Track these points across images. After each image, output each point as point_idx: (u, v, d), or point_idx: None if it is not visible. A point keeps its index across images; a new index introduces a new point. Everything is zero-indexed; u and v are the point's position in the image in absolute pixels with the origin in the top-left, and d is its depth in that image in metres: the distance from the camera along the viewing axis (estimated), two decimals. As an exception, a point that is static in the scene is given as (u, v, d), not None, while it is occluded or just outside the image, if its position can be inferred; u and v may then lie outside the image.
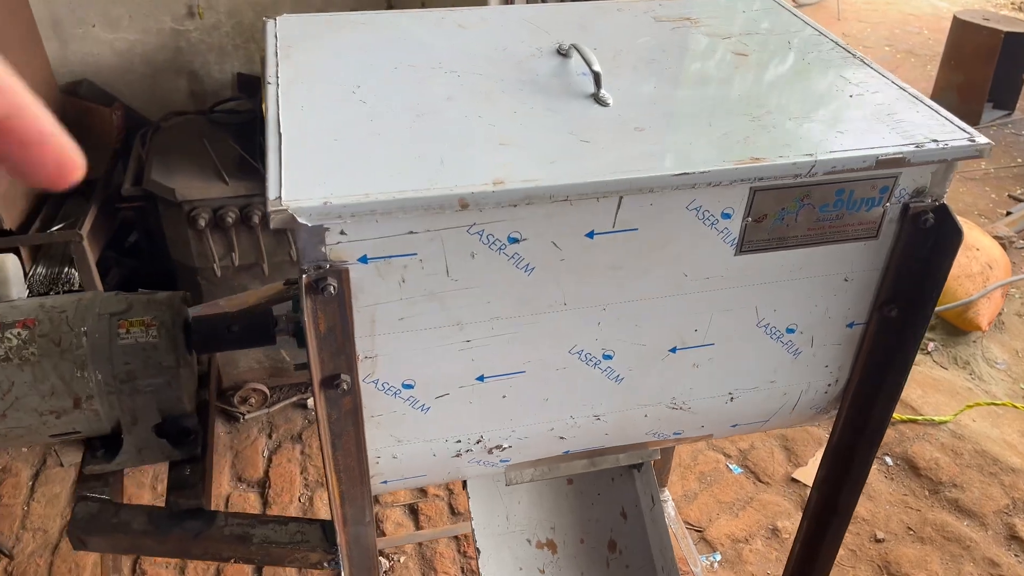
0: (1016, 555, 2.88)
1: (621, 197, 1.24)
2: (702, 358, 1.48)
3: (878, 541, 2.90)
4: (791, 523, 2.94)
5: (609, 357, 1.42)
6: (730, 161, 1.24)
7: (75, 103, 3.22)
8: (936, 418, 3.39)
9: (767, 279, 1.41)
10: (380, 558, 2.87)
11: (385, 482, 1.49)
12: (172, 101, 3.42)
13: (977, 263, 4.27)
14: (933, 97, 6.29)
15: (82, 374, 1.48)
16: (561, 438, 1.51)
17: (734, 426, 1.65)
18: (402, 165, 1.19)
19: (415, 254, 1.21)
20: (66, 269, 2.81)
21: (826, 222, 1.36)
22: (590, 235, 1.27)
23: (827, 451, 1.71)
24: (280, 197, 1.12)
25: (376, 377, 1.32)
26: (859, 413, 1.61)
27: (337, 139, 1.25)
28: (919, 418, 3.37)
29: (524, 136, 1.29)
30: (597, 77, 1.41)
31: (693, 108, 1.39)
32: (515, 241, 1.24)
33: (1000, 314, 4.24)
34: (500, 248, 1.24)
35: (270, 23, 1.63)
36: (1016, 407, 3.41)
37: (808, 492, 3.13)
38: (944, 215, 1.36)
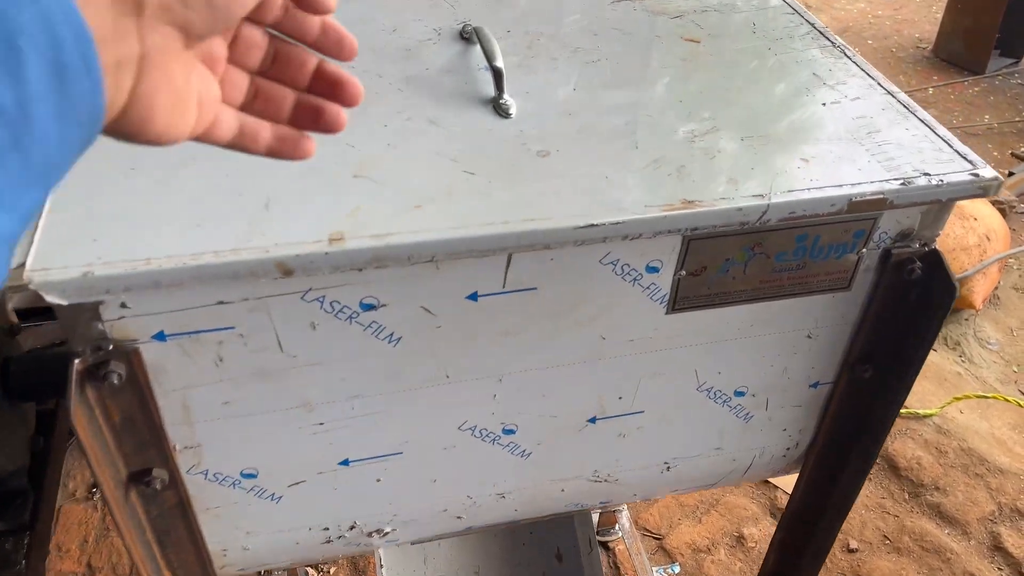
0: (1000, 568, 2.66)
1: (510, 255, 0.94)
2: (629, 427, 1.20)
3: (851, 551, 2.68)
4: (758, 530, 2.72)
5: (511, 432, 1.14)
6: (656, 206, 0.93)
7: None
8: (921, 411, 3.14)
9: (708, 339, 1.12)
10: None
11: (243, 569, 1.22)
12: None
13: (974, 234, 3.97)
14: (937, 44, 5.89)
15: None
16: (459, 517, 1.24)
17: (674, 490, 1.38)
18: (207, 212, 0.88)
19: (232, 327, 0.92)
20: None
21: (784, 272, 1.06)
22: (472, 297, 0.97)
23: (786, 514, 1.45)
24: (24, 265, 0.81)
25: (204, 468, 1.04)
26: (825, 477, 1.34)
27: (118, 177, 0.93)
28: (903, 411, 3.12)
29: (389, 164, 0.98)
30: (498, 76, 1.09)
31: (618, 121, 1.07)
32: (371, 308, 0.94)
33: (996, 288, 3.97)
34: (351, 317, 0.94)
35: None
36: (1007, 400, 3.16)
37: (779, 495, 2.90)
38: (935, 264, 1.06)
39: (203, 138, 0.57)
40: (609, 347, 1.08)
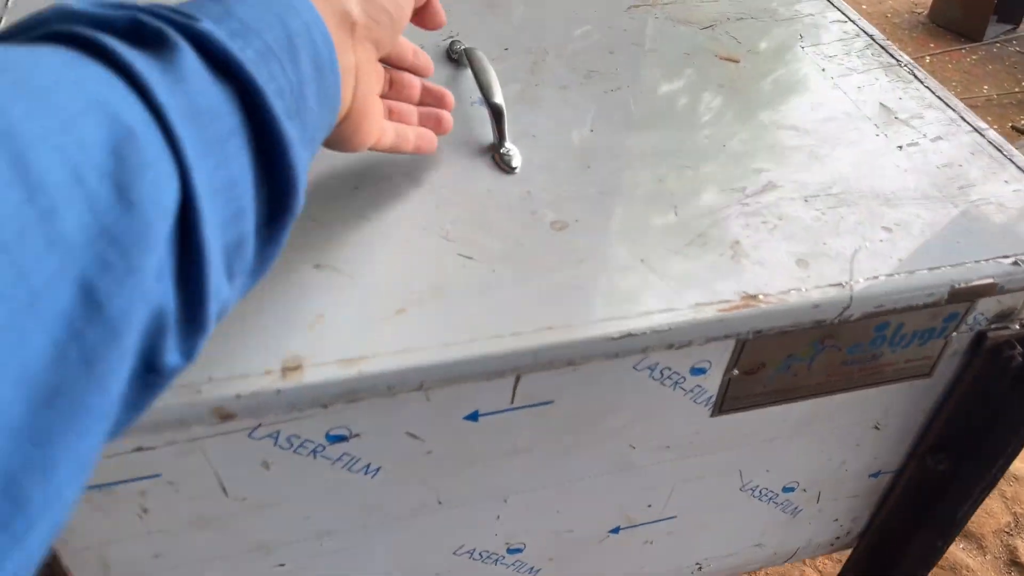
0: (1016, 584, 2.53)
1: (519, 376, 0.72)
2: (659, 533, 1.00)
3: (862, 569, 2.54)
4: None
5: (518, 551, 0.94)
6: (709, 304, 0.72)
7: None
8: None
9: (759, 438, 0.91)
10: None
11: None
12: None
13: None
14: (934, 9, 5.66)
15: None
16: (453, 634, 1.04)
17: (702, 581, 1.19)
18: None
19: (157, 475, 0.70)
20: None
21: (856, 364, 0.86)
22: (472, 417, 0.76)
23: (825, 596, 1.26)
24: None
25: (136, 622, 0.83)
26: (877, 569, 1.15)
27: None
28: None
29: (361, 247, 0.75)
30: (498, 116, 0.86)
31: (649, 177, 0.85)
32: (340, 440, 0.73)
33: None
34: (315, 451, 0.73)
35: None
36: (1021, 401, 3.01)
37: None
38: (1040, 350, 0.86)
39: (376, 146, 0.72)
40: (639, 456, 0.87)
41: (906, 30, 5.74)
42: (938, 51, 5.53)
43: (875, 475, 1.03)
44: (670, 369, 0.78)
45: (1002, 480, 2.80)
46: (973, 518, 2.65)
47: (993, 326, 0.86)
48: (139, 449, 0.67)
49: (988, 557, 2.58)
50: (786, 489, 1.00)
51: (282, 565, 0.83)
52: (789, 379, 0.84)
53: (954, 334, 0.86)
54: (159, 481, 0.70)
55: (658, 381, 0.79)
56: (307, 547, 0.82)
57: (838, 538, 1.13)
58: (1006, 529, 2.65)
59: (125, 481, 0.69)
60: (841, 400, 0.90)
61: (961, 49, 5.68)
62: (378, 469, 0.77)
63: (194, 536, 0.76)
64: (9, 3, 1.01)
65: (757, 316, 0.72)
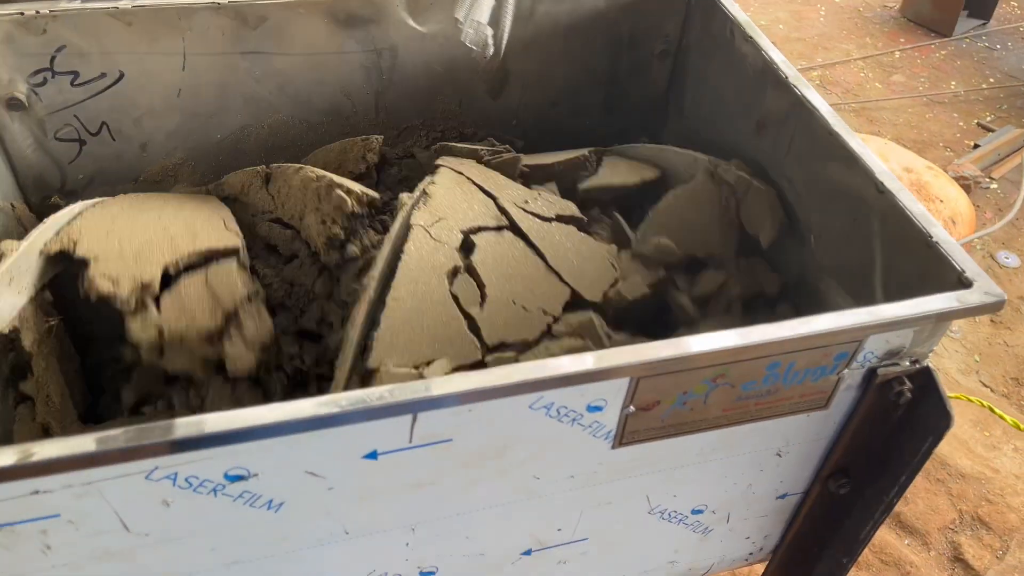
0: (958, 580, 2.60)
1: (415, 416, 0.75)
2: (572, 554, 1.03)
3: (809, 564, 2.60)
4: None
5: (430, 574, 0.97)
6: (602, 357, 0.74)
7: None
8: (882, 410, 3.04)
9: (663, 466, 0.95)
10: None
11: None
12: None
13: (940, 217, 3.85)
14: (905, 3, 5.71)
15: None
16: (374, 649, 1.07)
17: (623, 595, 1.23)
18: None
19: (56, 515, 0.72)
20: None
21: (751, 399, 0.89)
22: (372, 456, 0.78)
23: (746, 606, 1.31)
24: None
25: (49, 647, 0.85)
26: (789, 580, 1.19)
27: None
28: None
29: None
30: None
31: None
32: (239, 479, 0.75)
33: (959, 272, 3.87)
34: (215, 490, 0.75)
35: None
36: (970, 400, 3.08)
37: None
38: (927, 386, 0.90)
39: None
40: (544, 485, 0.90)
41: (877, 24, 5.78)
42: (908, 46, 5.57)
43: (782, 497, 1.07)
44: (566, 407, 0.81)
45: (948, 477, 2.87)
46: (918, 514, 2.71)
47: (883, 363, 0.89)
48: (35, 492, 0.69)
49: (932, 553, 2.64)
50: (695, 511, 1.04)
51: (193, 593, 0.85)
52: (686, 414, 0.87)
53: (846, 370, 0.89)
54: (59, 520, 0.72)
55: (555, 419, 0.81)
56: (218, 575, 0.84)
57: (751, 554, 1.17)
58: (951, 526, 2.71)
59: (24, 521, 0.71)
60: (742, 431, 0.93)
61: (930, 44, 5.73)
62: (281, 504, 0.79)
63: (100, 569, 0.78)
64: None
65: (641, 365, 0.75)
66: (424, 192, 1.13)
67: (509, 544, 0.97)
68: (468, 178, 1.18)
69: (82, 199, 1.28)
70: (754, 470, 1.00)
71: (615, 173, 1.31)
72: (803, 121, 1.09)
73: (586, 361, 0.75)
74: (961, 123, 5.29)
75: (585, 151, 1.32)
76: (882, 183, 0.96)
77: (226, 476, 0.74)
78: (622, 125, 1.46)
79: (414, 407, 0.73)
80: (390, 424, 0.75)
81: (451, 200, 1.12)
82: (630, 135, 1.46)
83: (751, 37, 1.19)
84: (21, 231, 1.19)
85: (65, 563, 0.76)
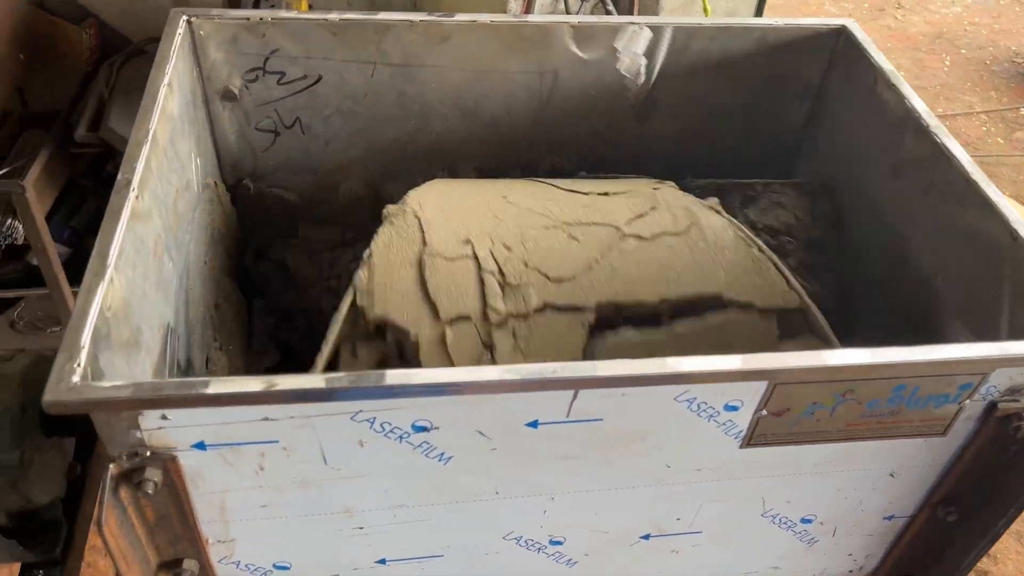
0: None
1: (576, 393, 0.86)
2: (684, 544, 1.12)
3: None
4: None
5: (559, 543, 1.07)
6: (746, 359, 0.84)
7: (42, 18, 2.82)
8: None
9: (781, 472, 1.03)
10: None
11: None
12: (154, 21, 2.99)
13: None
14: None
15: None
16: (493, 611, 1.18)
17: (720, 595, 1.31)
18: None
19: (276, 441, 0.86)
20: (9, 220, 2.50)
21: (874, 418, 0.97)
22: (532, 425, 0.90)
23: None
24: (75, 371, 0.76)
25: (237, 559, 1.00)
26: (885, 603, 1.25)
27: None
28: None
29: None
30: None
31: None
32: (423, 430, 0.88)
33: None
34: (401, 437, 0.88)
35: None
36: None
37: None
38: (1046, 424, 0.96)
39: None
40: (673, 474, 1.00)
41: (1003, 79, 5.65)
42: (1035, 103, 5.43)
43: (889, 518, 1.13)
44: (706, 403, 0.91)
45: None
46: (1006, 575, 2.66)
47: (1004, 399, 0.96)
48: (265, 419, 0.83)
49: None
50: (804, 520, 1.12)
51: (360, 528, 0.98)
52: (812, 423, 0.96)
53: (968, 401, 0.96)
54: (276, 446, 0.86)
55: (695, 413, 0.91)
56: (383, 515, 0.97)
57: (851, 571, 1.23)
58: None
59: (250, 443, 0.85)
60: (861, 447, 1.01)
61: (1059, 103, 5.56)
62: (450, 458, 0.91)
63: (296, 494, 0.92)
64: None
65: (783, 371, 0.84)
66: None
67: (632, 526, 1.07)
68: None
69: (267, 184, 1.46)
70: (866, 487, 1.07)
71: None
72: (940, 168, 1.16)
73: (734, 361, 0.85)
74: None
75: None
76: (1017, 231, 1.03)
77: (413, 426, 0.87)
78: (755, 160, 1.54)
79: (578, 384, 0.85)
80: (554, 397, 0.87)
81: None
82: (762, 170, 1.54)
83: (894, 85, 1.27)
84: (218, 205, 1.36)
85: (270, 484, 0.90)
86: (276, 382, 0.78)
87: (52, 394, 0.75)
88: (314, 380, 0.79)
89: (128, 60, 2.79)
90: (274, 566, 1.02)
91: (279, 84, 1.33)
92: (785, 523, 1.11)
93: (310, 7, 2.82)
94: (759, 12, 3.07)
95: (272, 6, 2.56)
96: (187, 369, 1.13)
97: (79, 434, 1.36)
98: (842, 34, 1.40)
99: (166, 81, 1.11)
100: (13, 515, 1.29)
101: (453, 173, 1.48)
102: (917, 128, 1.21)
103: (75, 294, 2.75)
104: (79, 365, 0.77)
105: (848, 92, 1.40)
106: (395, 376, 0.80)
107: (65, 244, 3.09)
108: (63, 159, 2.67)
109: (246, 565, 1.01)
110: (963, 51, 5.90)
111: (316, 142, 1.42)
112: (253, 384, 0.78)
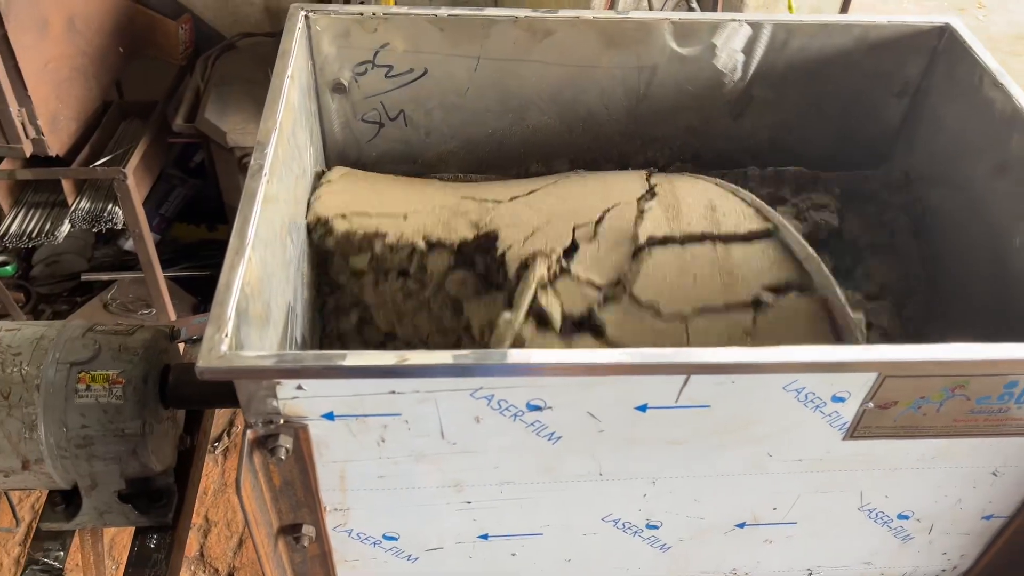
0: None
1: (687, 378, 0.88)
2: (778, 535, 1.13)
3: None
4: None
5: (655, 527, 1.10)
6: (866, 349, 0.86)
7: (141, 13, 2.95)
8: None
9: (883, 466, 1.04)
10: None
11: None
12: (245, 17, 3.10)
13: None
14: None
15: (31, 435, 1.26)
16: (585, 592, 1.22)
17: (808, 589, 1.32)
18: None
19: (399, 414, 0.90)
20: (110, 206, 2.62)
21: (982, 415, 0.97)
22: (642, 408, 0.93)
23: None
24: (223, 341, 0.82)
25: (350, 527, 1.05)
26: (977, 605, 1.24)
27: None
28: None
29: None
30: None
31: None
32: (537, 409, 0.91)
33: None
34: (516, 415, 0.92)
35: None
36: None
37: None
38: None
39: None
40: (774, 464, 1.01)
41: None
42: None
43: (988, 517, 1.13)
44: (814, 393, 0.92)
45: None
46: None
47: (1119, 398, 0.95)
48: (392, 392, 0.88)
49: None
50: (901, 516, 1.12)
51: (468, 502, 1.03)
52: (918, 418, 0.96)
53: (1080, 402, 0.95)
54: (399, 419, 0.91)
55: (802, 402, 0.93)
56: (490, 491, 1.01)
57: (944, 570, 1.23)
58: None
59: (376, 415, 0.90)
60: (965, 444, 1.01)
61: None
62: (560, 438, 0.95)
63: (412, 467, 0.97)
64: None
65: (896, 364, 0.86)
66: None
67: (729, 514, 1.09)
68: None
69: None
70: (967, 485, 1.07)
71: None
72: (1051, 167, 1.15)
73: (844, 352, 0.86)
74: None
75: None
76: None
77: (528, 405, 0.91)
78: (850, 156, 1.54)
79: (688, 369, 0.87)
80: (666, 381, 0.89)
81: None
82: (856, 167, 1.54)
83: (1001, 84, 1.25)
84: (325, 193, 1.42)
85: (389, 456, 0.95)
86: (407, 356, 0.83)
87: (204, 361, 0.81)
88: (442, 356, 0.83)
89: (222, 54, 2.90)
90: (384, 536, 1.07)
91: (386, 77, 1.38)
92: (881, 518, 1.12)
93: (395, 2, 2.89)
94: (844, 9, 3.03)
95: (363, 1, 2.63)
96: (301, 343, 1.19)
97: (192, 407, 1.44)
98: (946, 31, 1.39)
99: (289, 73, 1.17)
100: (131, 481, 1.37)
101: (548, 166, 1.52)
102: (1026, 126, 1.20)
103: (167, 278, 2.88)
104: (227, 335, 0.83)
105: (950, 90, 1.39)
106: (516, 355, 0.84)
107: (155, 231, 3.23)
108: (159, 148, 2.80)
109: (358, 534, 1.06)
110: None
111: (417, 134, 1.46)
112: (386, 358, 0.82)
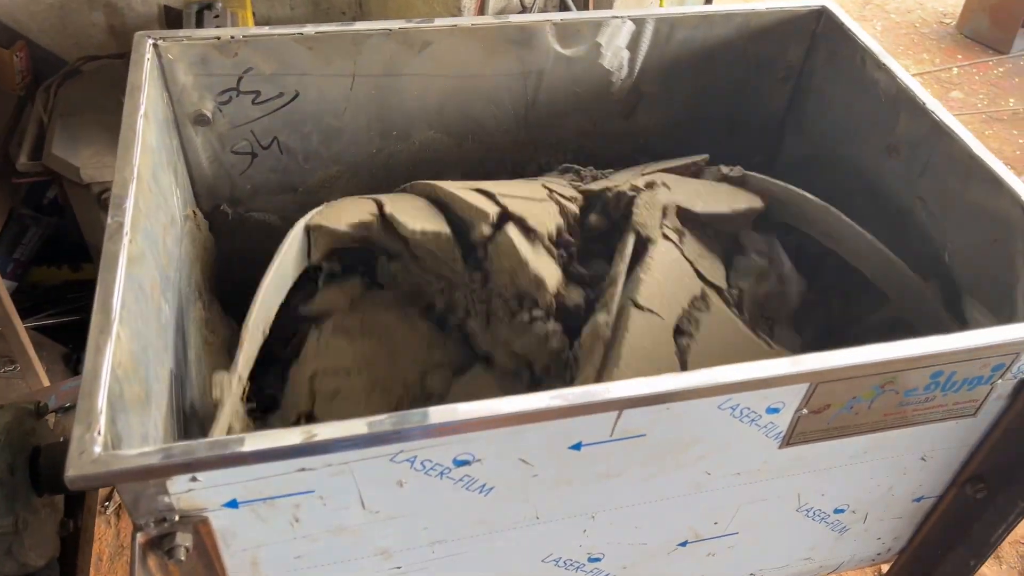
0: (1029, 594, 2.62)
1: (620, 412, 0.83)
2: (720, 547, 1.10)
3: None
4: None
5: (597, 560, 1.05)
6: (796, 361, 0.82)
7: (-33, 42, 2.67)
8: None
9: (818, 467, 1.02)
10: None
11: None
12: (88, 39, 2.86)
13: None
14: (962, 19, 5.69)
15: None
16: (529, 630, 1.15)
17: (749, 590, 1.30)
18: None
19: (312, 491, 0.81)
20: (-50, 259, 2.36)
21: (910, 406, 0.96)
22: (576, 447, 0.87)
23: (862, 605, 1.37)
24: (96, 440, 0.70)
25: (269, 612, 0.94)
26: (911, 580, 1.26)
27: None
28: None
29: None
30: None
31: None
32: (465, 464, 0.84)
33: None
34: (442, 473, 0.84)
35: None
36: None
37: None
38: (1076, 397, 0.96)
39: None
40: (713, 481, 0.98)
41: (934, 40, 5.78)
42: (965, 63, 5.56)
43: (918, 499, 1.14)
44: (749, 408, 0.89)
45: (1019, 493, 2.87)
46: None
47: (1035, 374, 0.96)
48: (302, 469, 0.78)
49: (1003, 567, 2.67)
50: (837, 510, 1.11)
51: (398, 568, 0.94)
52: (851, 418, 0.95)
53: (999, 381, 0.96)
54: (312, 496, 0.81)
55: (737, 418, 0.89)
56: (421, 553, 0.93)
57: (879, 554, 1.23)
58: (1022, 540, 2.74)
59: (285, 496, 0.80)
60: (895, 435, 1.00)
61: (988, 61, 5.71)
62: (492, 489, 0.88)
63: (331, 542, 0.87)
64: None
65: (829, 370, 0.83)
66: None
67: (670, 535, 1.05)
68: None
69: (245, 208, 1.39)
70: (898, 473, 1.07)
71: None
72: (942, 145, 1.16)
73: (781, 366, 0.83)
74: (1021, 140, 5.28)
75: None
76: (1028, 206, 1.03)
77: (455, 461, 0.83)
78: (740, 144, 1.53)
79: (622, 404, 0.82)
80: (599, 418, 0.83)
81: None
82: (747, 155, 1.53)
83: (884, 64, 1.26)
84: (199, 235, 1.29)
85: (305, 535, 0.85)
86: (315, 432, 0.73)
87: (75, 469, 0.69)
88: (355, 426, 0.74)
89: (65, 81, 2.66)
90: (308, 614, 0.97)
91: (254, 104, 1.26)
92: (819, 515, 1.10)
93: (253, 14, 2.73)
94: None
95: (217, 17, 2.46)
96: (192, 412, 1.07)
97: (71, 490, 1.29)
98: (823, 14, 1.39)
99: (142, 111, 1.04)
100: (6, 580, 1.22)
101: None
102: (913, 107, 1.21)
103: (29, 329, 2.63)
104: (99, 433, 0.71)
105: (833, 72, 1.39)
106: (440, 413, 0.76)
107: (10, 278, 2.96)
108: (4, 189, 2.54)
109: (278, 616, 0.96)
110: (892, 15, 6.03)
111: (295, 161, 1.35)
112: (291, 437, 0.73)
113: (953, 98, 5.25)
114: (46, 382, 2.66)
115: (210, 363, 1.24)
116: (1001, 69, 5.74)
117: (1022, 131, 5.16)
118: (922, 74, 5.34)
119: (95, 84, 2.68)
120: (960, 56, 5.77)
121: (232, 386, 0.97)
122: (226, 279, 1.38)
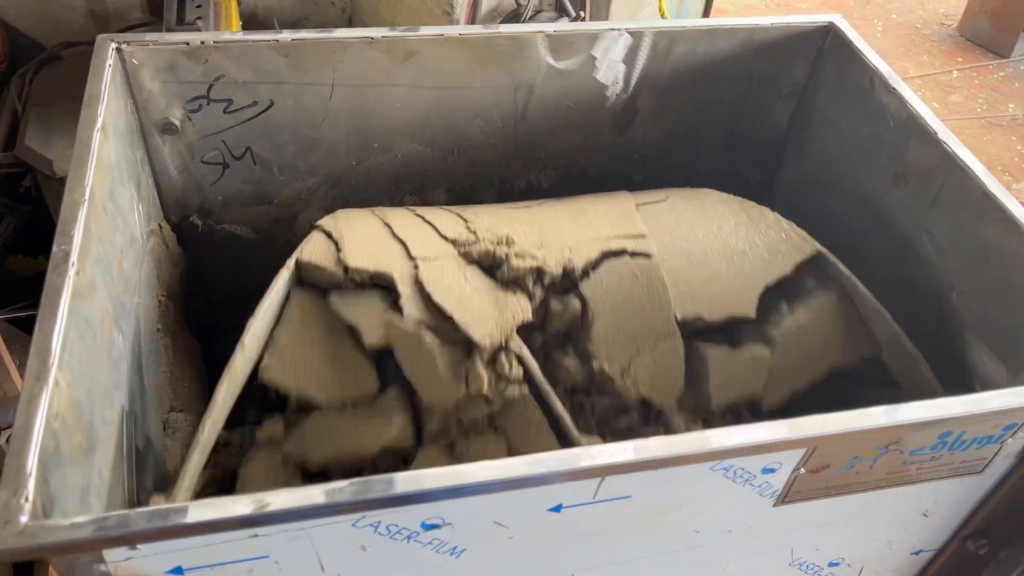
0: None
1: (603, 478, 0.76)
2: (706, 600, 1.04)
3: None
4: None
5: (575, 615, 0.98)
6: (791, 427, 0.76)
7: (-60, 25, 2.57)
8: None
9: (813, 523, 0.96)
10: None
11: None
12: (66, 23, 2.76)
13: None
14: (963, 22, 5.63)
15: None
16: None
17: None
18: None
19: (266, 556, 0.74)
20: (-80, 253, 2.28)
21: (915, 464, 0.90)
22: (556, 509, 0.80)
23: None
24: (23, 508, 0.63)
25: (222, 673, 0.88)
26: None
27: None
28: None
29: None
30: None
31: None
32: (434, 527, 0.77)
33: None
34: (410, 537, 0.77)
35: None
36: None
37: None
38: (1090, 459, 0.90)
39: None
40: (702, 539, 0.92)
41: (934, 42, 5.71)
42: (966, 66, 5.50)
43: (917, 553, 1.08)
44: (743, 469, 0.82)
45: None
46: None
47: (1047, 433, 0.90)
48: (255, 536, 0.71)
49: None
50: (831, 564, 1.05)
51: (362, 628, 0.88)
52: (851, 476, 0.88)
53: (1010, 440, 0.90)
54: (267, 561, 0.75)
55: (730, 479, 0.83)
56: (387, 613, 0.87)
57: (872, 605, 1.18)
58: None
59: (237, 561, 0.73)
60: (897, 492, 0.94)
61: (988, 64, 5.65)
62: (463, 551, 0.81)
63: (289, 605, 0.81)
64: None
65: (825, 437, 0.76)
66: None
67: (654, 590, 0.99)
68: None
69: (216, 220, 1.32)
70: (898, 528, 1.01)
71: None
72: (953, 178, 1.09)
73: (778, 431, 0.76)
74: (1019, 147, 5.22)
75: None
76: (1046, 250, 0.97)
77: (423, 525, 0.76)
78: (739, 163, 1.46)
79: (605, 471, 0.75)
80: (581, 483, 0.77)
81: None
82: (746, 174, 1.47)
83: (894, 88, 1.19)
84: (165, 250, 1.22)
85: (260, 600, 0.79)
86: (267, 501, 0.67)
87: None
88: (312, 495, 0.67)
89: (41, 68, 2.56)
90: (265, 674, 0.90)
91: (226, 112, 1.19)
92: (811, 569, 1.05)
93: (239, 3, 2.63)
94: (706, 12, 2.95)
95: (199, 18, 2.37)
96: (146, 449, 1.00)
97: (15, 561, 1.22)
98: (830, 31, 1.32)
99: (99, 125, 0.96)
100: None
101: (422, 197, 1.36)
102: (923, 135, 1.14)
103: (1, 320, 2.55)
104: (27, 500, 0.64)
105: (839, 92, 1.32)
106: (405, 481, 0.69)
107: (-17, 268, 2.86)
108: (-24, 181, 2.44)
109: (233, 677, 0.89)
110: (893, 15, 5.95)
111: (269, 172, 1.28)
112: (240, 506, 0.66)
113: (952, 102, 5.20)
114: (17, 380, 2.59)
115: (176, 385, 1.17)
116: (1001, 73, 5.68)
117: (1021, 137, 5.09)
118: (922, 76, 5.28)
119: (74, 71, 2.58)
120: (960, 59, 5.71)
121: (200, 441, 0.90)
122: (196, 294, 1.31)
